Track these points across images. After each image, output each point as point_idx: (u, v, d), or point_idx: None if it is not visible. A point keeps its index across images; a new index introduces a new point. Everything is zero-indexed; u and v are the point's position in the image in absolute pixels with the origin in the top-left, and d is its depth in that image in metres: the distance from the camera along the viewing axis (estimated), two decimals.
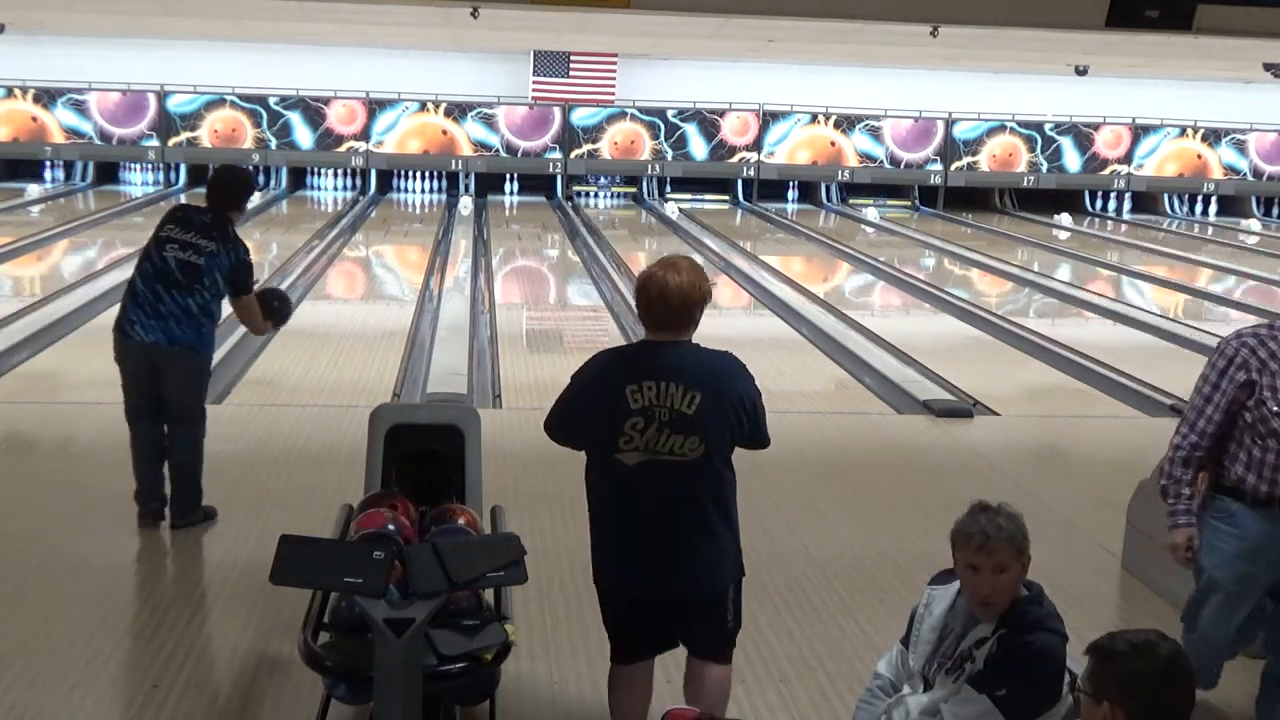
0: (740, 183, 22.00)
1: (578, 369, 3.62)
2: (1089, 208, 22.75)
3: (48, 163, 20.61)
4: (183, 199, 19.71)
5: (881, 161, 21.86)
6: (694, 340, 3.53)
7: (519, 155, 21.11)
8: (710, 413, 3.40)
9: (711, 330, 3.66)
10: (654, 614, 3.54)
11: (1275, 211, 23.16)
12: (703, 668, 3.58)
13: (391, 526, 3.67)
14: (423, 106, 20.69)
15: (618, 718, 3.65)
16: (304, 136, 20.53)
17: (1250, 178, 22.66)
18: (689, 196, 21.64)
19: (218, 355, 8.62)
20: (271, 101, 20.36)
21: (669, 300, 3.44)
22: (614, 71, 21.10)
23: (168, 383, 5.36)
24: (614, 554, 3.54)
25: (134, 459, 5.46)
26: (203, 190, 5.76)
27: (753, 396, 3.52)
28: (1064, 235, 19.85)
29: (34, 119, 20.11)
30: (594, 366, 3.60)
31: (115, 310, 5.53)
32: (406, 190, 21.41)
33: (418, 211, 20.26)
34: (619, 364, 3.51)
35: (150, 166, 20.91)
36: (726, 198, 22.08)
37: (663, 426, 3.39)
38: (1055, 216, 21.32)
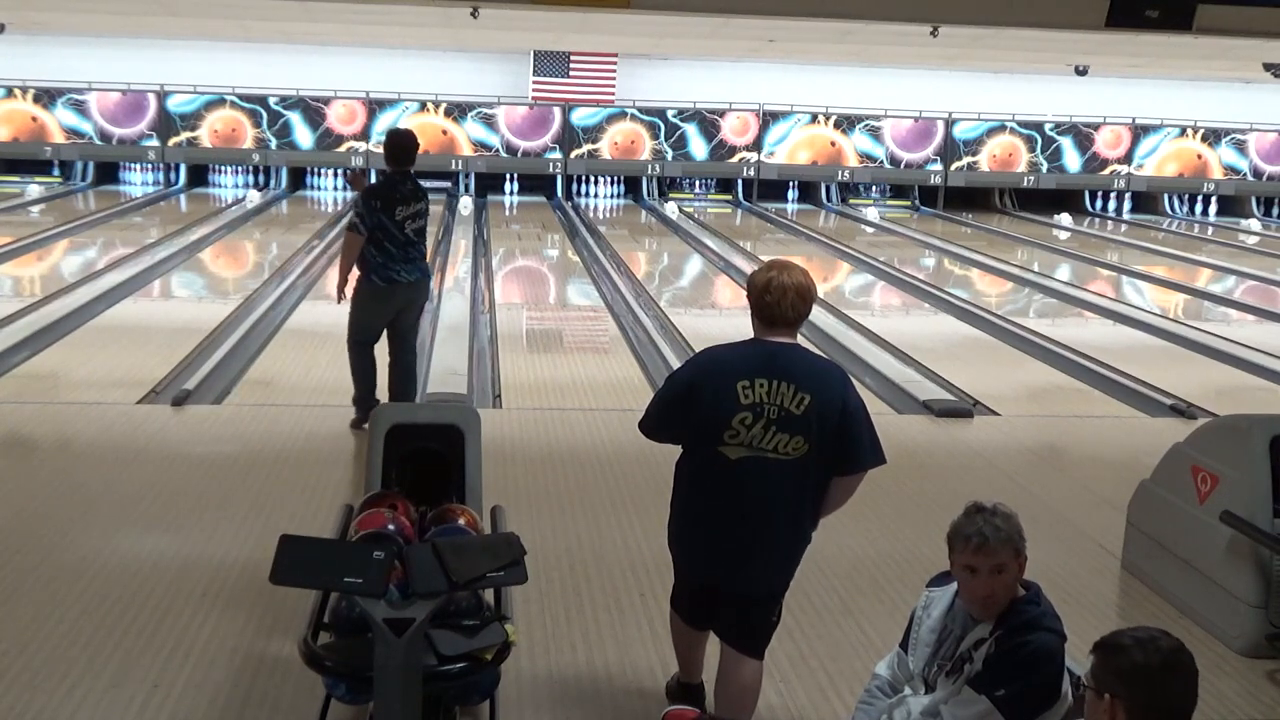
0: (740, 183, 22.01)
1: (679, 366, 3.70)
2: (1089, 208, 22.73)
3: (55, 162, 20.61)
4: (182, 199, 19.76)
5: (881, 161, 21.86)
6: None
7: (519, 155, 21.10)
8: (817, 415, 3.45)
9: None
10: (713, 598, 3.66)
11: (1275, 211, 23.13)
12: (738, 661, 3.64)
13: (391, 526, 3.67)
14: (423, 106, 20.68)
15: (679, 654, 3.94)
16: (304, 136, 20.52)
17: (1250, 178, 22.64)
18: (690, 196, 21.63)
19: (217, 355, 8.75)
20: (271, 101, 20.35)
21: (789, 299, 3.50)
22: (614, 71, 21.09)
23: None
24: (691, 542, 3.66)
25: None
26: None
27: (852, 404, 3.53)
28: (1064, 235, 19.84)
29: (34, 119, 20.09)
30: (701, 361, 3.66)
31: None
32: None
33: None
34: (730, 359, 3.54)
35: (150, 166, 20.87)
36: (729, 198, 22.09)
37: (770, 424, 3.43)
38: (1055, 216, 21.31)
